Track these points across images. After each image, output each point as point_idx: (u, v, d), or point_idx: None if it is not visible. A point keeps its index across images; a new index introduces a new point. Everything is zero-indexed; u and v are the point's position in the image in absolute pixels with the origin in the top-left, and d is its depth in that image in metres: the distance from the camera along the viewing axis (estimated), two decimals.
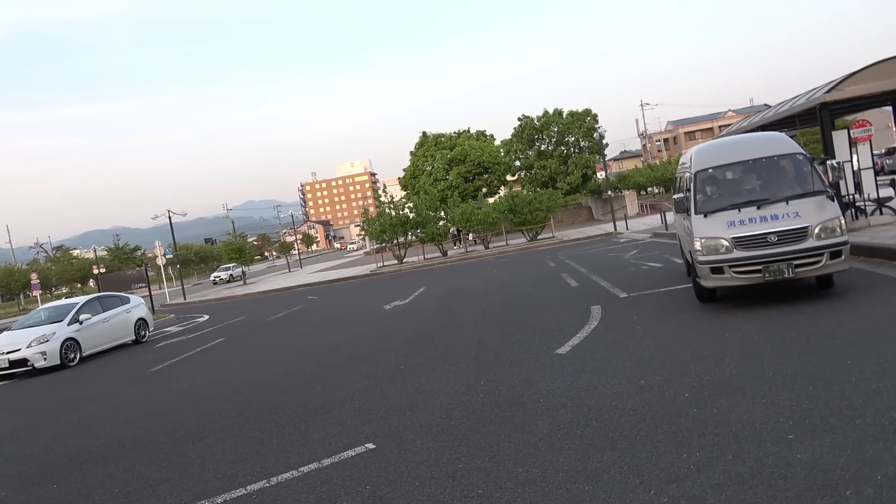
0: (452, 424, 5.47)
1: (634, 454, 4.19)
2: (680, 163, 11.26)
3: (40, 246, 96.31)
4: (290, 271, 52.56)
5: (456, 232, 39.79)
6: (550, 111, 53.86)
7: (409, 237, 36.33)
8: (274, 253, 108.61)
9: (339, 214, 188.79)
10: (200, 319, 21.75)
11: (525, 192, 39.42)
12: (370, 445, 5.24)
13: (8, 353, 13.97)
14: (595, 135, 52.39)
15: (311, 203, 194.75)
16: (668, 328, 7.95)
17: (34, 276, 47.59)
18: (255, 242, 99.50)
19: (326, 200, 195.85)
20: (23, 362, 13.86)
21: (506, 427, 5.18)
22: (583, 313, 9.81)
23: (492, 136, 57.76)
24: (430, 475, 4.42)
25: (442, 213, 37.89)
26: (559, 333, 8.53)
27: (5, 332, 15.52)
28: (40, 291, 47.21)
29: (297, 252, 77.10)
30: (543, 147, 54.49)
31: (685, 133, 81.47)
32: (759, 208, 8.06)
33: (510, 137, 55.61)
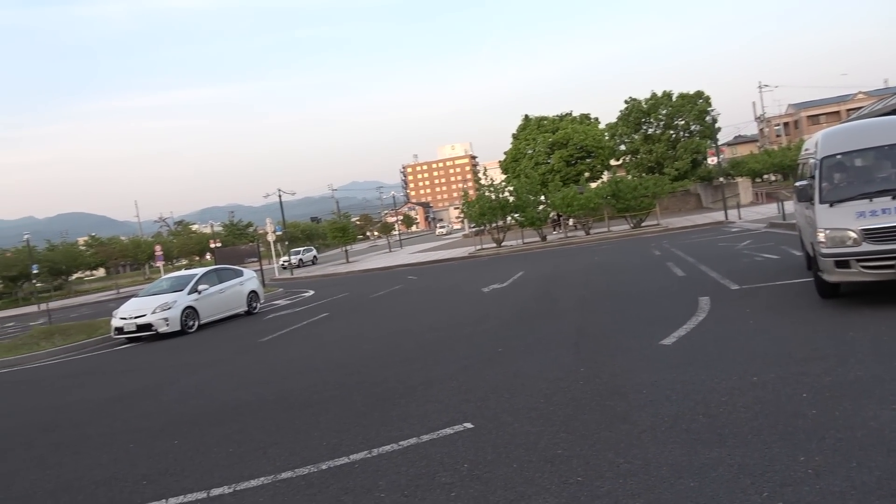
0: (551, 410, 5.42)
1: (745, 453, 3.99)
2: (803, 148, 10.52)
3: (164, 220, 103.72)
4: (390, 251, 53.80)
5: (556, 216, 39.23)
6: (659, 93, 51.76)
7: (509, 221, 36.19)
8: (375, 233, 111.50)
9: (440, 196, 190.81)
10: (306, 294, 22.71)
11: (630, 177, 38.24)
12: (468, 425, 5.28)
13: (135, 318, 15.18)
14: (707, 118, 49.87)
15: (412, 185, 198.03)
16: (784, 324, 7.49)
17: (158, 248, 51.38)
18: (358, 222, 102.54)
19: (427, 182, 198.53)
20: (148, 327, 15.01)
21: (607, 416, 5.07)
22: (690, 304, 9.42)
23: (596, 119, 56.29)
24: (528, 458, 4.40)
25: (542, 198, 37.40)
26: (664, 324, 8.24)
27: (133, 299, 16.83)
28: (163, 262, 50.87)
29: (397, 233, 78.76)
30: (650, 131, 52.45)
31: (808, 117, 75.92)
32: (894, 198, 7.40)
33: (615, 121, 53.92)
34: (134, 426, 6.96)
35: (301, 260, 50.24)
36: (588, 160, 52.79)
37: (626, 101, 53.15)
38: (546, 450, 4.51)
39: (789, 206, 20.73)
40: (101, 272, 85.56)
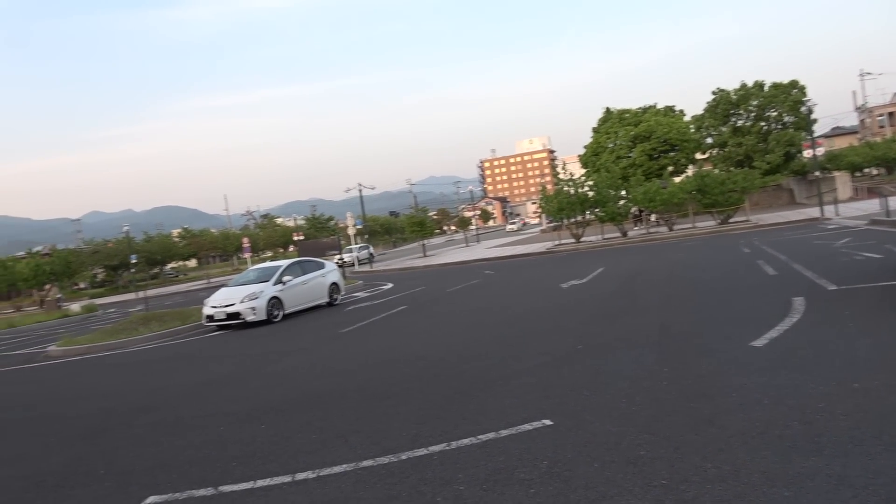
0: (633, 410, 5.28)
1: (846, 463, 3.76)
2: None
3: (250, 213, 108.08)
4: (467, 246, 53.96)
5: (638, 212, 38.24)
6: (750, 83, 49.42)
7: (588, 216, 35.56)
8: (452, 227, 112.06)
9: (517, 191, 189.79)
10: (385, 287, 23.08)
11: (717, 171, 36.75)
12: (547, 422, 5.22)
13: (225, 306, 15.86)
14: (802, 109, 47.21)
15: (489, 179, 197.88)
16: (888, 327, 7.01)
17: (245, 240, 53.54)
18: (435, 216, 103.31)
19: (504, 177, 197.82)
20: (236, 315, 15.66)
21: (692, 419, 4.90)
22: (782, 304, 8.95)
23: (681, 111, 54.33)
24: (610, 458, 4.30)
25: (623, 192, 36.53)
26: (754, 324, 7.87)
27: (223, 289, 17.57)
28: (250, 254, 52.96)
29: (474, 227, 78.84)
30: (740, 123, 50.18)
31: None
32: None
33: (702, 113, 51.94)
34: (223, 410, 7.28)
35: (358, 258, 48.56)
36: (672, 154, 51.12)
37: (713, 93, 51.12)
38: (628, 450, 4.40)
39: (894, 201, 19.37)
40: (192, 262, 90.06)
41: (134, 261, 55.32)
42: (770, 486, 3.61)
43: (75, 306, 36.45)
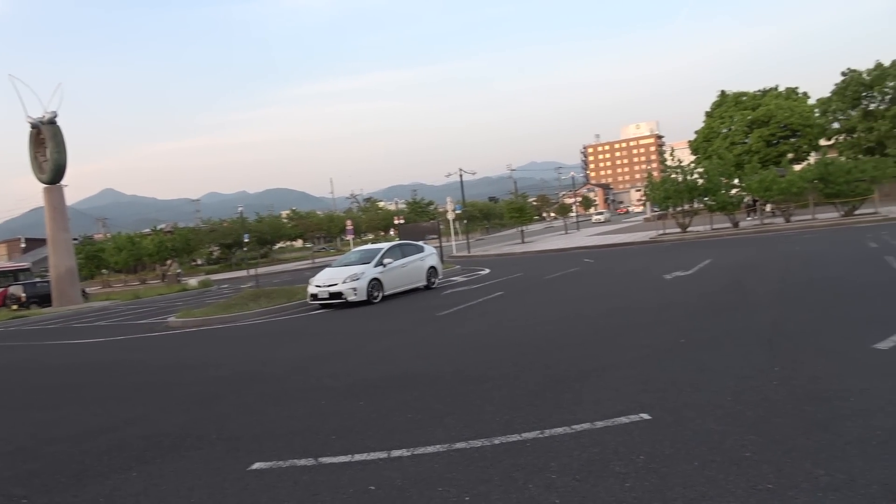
0: (739, 409, 5.02)
1: None
2: None
3: (354, 197, 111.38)
4: (566, 233, 53.13)
5: (751, 201, 36.20)
6: (887, 63, 45.34)
7: (696, 205, 34.06)
8: (552, 214, 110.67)
9: (621, 178, 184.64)
10: (482, 272, 23.16)
11: (843, 158, 34.16)
12: (645, 416, 5.07)
13: (328, 286, 16.48)
14: None
15: (592, 165, 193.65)
16: None
17: (349, 222, 55.31)
18: (535, 203, 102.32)
19: (608, 163, 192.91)
20: (339, 295, 16.23)
21: (804, 422, 4.60)
22: None
23: (805, 94, 50.77)
24: (711, 458, 4.12)
25: (736, 180, 34.69)
26: (879, 325, 7.28)
27: (326, 269, 18.24)
28: (353, 236, 54.67)
29: (574, 215, 77.44)
30: (872, 106, 46.26)
31: None
32: None
33: (829, 95, 48.29)
34: (325, 384, 7.58)
35: None
36: (792, 140, 47.98)
37: (842, 73, 47.42)
38: (732, 451, 4.20)
39: None
40: (299, 243, 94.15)
41: (246, 240, 58.54)
42: (891, 499, 3.35)
43: (193, 281, 39.08)
